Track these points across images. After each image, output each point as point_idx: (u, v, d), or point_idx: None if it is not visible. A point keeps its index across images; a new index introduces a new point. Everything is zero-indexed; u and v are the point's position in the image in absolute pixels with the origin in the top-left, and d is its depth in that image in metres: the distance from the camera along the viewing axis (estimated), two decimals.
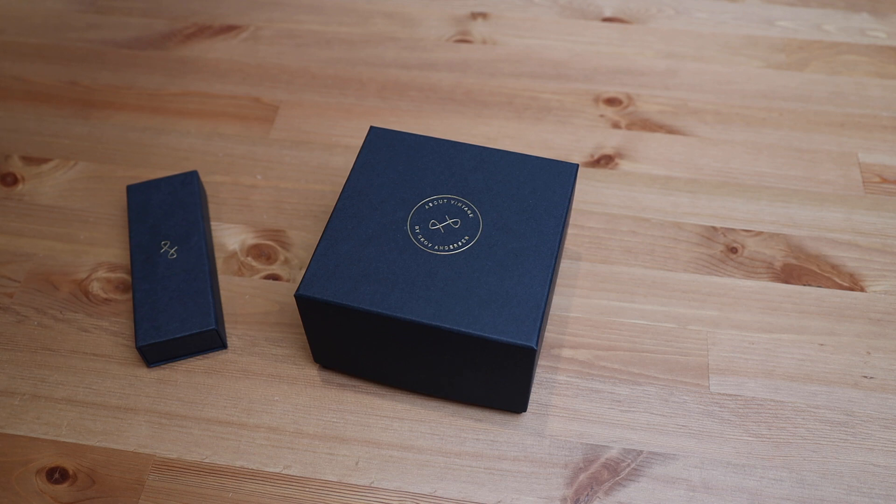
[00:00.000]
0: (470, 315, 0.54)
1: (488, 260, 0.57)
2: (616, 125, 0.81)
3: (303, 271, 0.70)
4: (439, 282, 0.56)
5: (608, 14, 0.92)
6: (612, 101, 0.83)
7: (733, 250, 0.71)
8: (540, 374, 0.64)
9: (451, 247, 0.58)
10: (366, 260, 0.57)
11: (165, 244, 0.68)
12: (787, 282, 0.69)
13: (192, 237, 0.69)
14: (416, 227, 0.59)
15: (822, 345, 0.65)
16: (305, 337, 0.66)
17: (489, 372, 0.57)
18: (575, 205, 0.74)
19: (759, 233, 0.72)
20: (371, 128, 0.66)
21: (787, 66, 0.86)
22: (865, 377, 0.63)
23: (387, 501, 0.58)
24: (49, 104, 0.85)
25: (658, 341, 0.65)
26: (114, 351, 0.66)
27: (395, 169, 0.62)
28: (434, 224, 0.59)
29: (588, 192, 0.75)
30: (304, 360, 0.65)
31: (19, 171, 0.79)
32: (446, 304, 0.55)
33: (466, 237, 0.58)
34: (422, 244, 0.58)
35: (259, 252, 0.72)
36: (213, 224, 0.74)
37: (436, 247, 0.58)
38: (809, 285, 0.69)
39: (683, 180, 0.76)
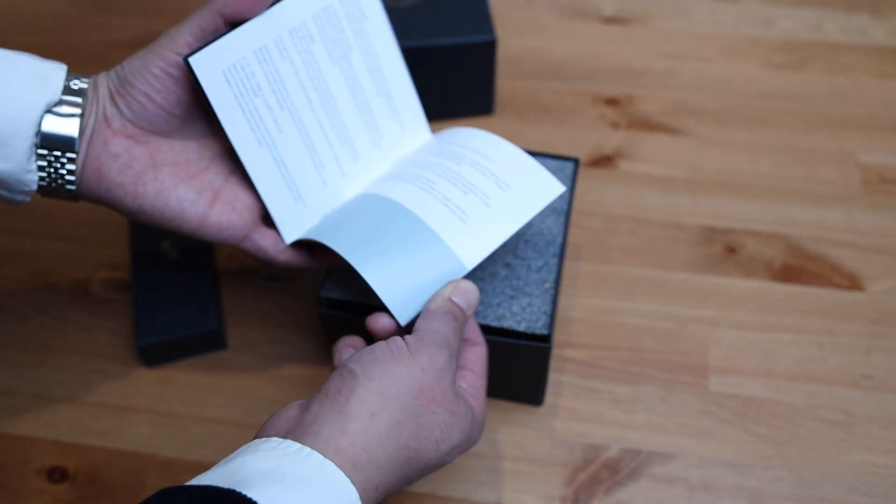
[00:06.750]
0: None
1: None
2: (616, 125, 0.81)
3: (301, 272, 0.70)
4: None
5: (608, 14, 0.92)
6: (611, 101, 0.83)
7: (732, 250, 0.71)
8: None
9: None
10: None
11: (165, 244, 0.68)
12: (786, 281, 0.69)
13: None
14: None
15: (821, 344, 0.65)
16: (308, 337, 0.67)
17: (504, 363, 0.57)
18: (575, 205, 0.74)
19: (759, 233, 0.72)
20: None
21: (787, 66, 0.86)
22: (865, 377, 0.63)
23: (386, 500, 0.58)
24: None
25: (657, 341, 0.65)
26: (114, 351, 0.66)
27: None
28: None
29: (588, 192, 0.75)
30: (305, 359, 0.65)
31: None
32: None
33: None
34: None
35: None
36: None
37: None
38: (809, 285, 0.69)
39: (683, 180, 0.76)
